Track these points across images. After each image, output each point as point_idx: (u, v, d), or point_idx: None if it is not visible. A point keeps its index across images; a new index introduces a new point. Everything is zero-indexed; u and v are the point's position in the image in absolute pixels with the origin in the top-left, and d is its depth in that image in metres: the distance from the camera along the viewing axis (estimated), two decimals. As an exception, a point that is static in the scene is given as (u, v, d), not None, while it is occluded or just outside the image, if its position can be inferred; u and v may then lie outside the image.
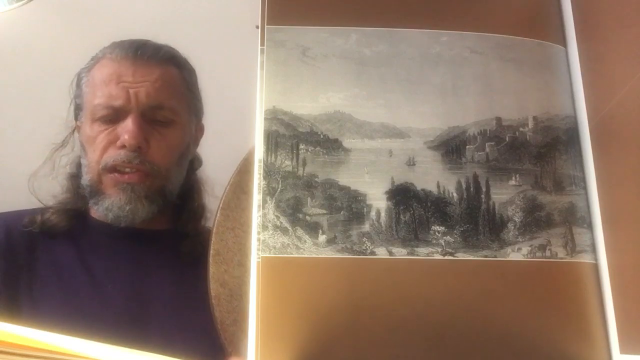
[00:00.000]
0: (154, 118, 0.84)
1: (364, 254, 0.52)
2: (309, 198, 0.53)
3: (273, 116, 0.55)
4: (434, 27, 0.59)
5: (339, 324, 0.49)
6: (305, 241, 0.52)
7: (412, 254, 0.52)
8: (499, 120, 0.57)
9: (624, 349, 0.50)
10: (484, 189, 0.55)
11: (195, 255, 0.80)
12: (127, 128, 0.81)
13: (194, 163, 0.93)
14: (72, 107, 0.90)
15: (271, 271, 0.50)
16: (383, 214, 0.53)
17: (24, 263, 0.81)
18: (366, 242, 0.52)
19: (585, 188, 0.56)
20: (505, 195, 0.55)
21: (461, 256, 0.52)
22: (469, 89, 0.57)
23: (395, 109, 0.56)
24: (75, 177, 0.89)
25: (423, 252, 0.52)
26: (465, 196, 0.54)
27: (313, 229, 0.52)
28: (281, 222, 0.52)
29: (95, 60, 0.87)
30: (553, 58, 0.59)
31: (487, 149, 0.56)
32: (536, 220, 0.54)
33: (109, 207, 0.82)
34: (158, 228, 0.87)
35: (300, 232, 0.52)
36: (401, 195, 0.54)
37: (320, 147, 0.55)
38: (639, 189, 0.50)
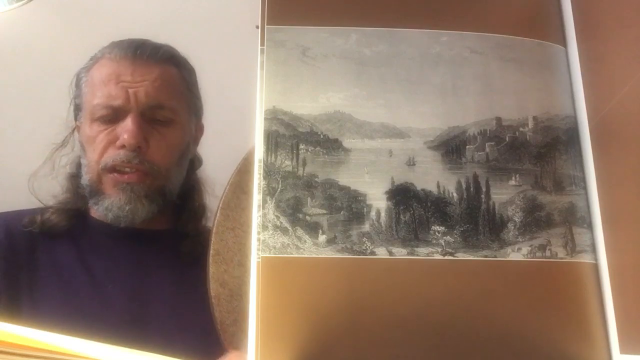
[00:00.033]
0: (153, 118, 0.84)
1: (364, 254, 0.52)
2: (309, 198, 0.53)
3: (273, 116, 0.55)
4: (434, 27, 0.59)
5: (339, 324, 0.49)
6: (305, 241, 0.52)
7: (412, 254, 0.52)
8: (499, 120, 0.57)
9: (624, 349, 0.50)
10: (484, 189, 0.55)
11: (195, 255, 0.80)
12: (126, 128, 0.81)
13: (194, 163, 0.93)
14: (72, 107, 0.90)
15: (271, 271, 0.50)
16: (383, 214, 0.53)
17: (24, 263, 0.81)
18: (366, 242, 0.52)
19: (585, 188, 0.56)
20: (505, 195, 0.55)
21: (461, 256, 0.52)
22: (469, 89, 0.57)
23: (395, 109, 0.56)
24: (75, 177, 0.89)
25: (423, 252, 0.52)
26: (465, 196, 0.54)
27: (313, 229, 0.52)
28: (281, 222, 0.52)
29: (95, 60, 0.87)
30: (553, 58, 0.59)
31: (487, 149, 0.56)
32: (536, 220, 0.54)
33: (108, 207, 0.82)
34: (158, 228, 0.87)
35: (300, 232, 0.52)
36: (401, 195, 0.54)
37: (320, 147, 0.55)
38: (639, 189, 0.50)
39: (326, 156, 0.55)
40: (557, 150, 0.57)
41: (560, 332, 0.51)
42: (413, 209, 0.54)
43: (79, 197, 0.87)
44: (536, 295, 0.52)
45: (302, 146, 0.55)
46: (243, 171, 0.67)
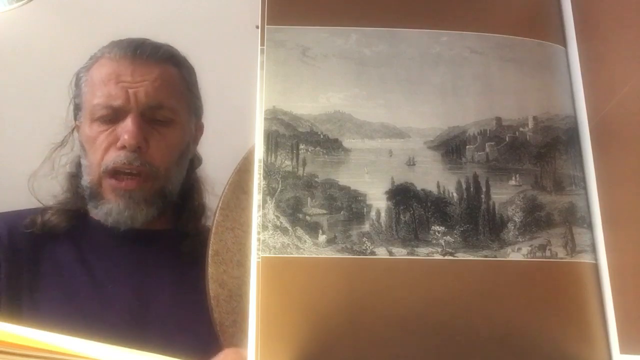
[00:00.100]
0: (153, 118, 0.84)
1: (364, 254, 0.52)
2: (309, 198, 0.53)
3: (273, 116, 0.55)
4: (434, 27, 0.59)
5: (339, 324, 0.49)
6: (305, 241, 0.52)
7: (412, 254, 0.52)
8: (499, 120, 0.57)
9: (624, 349, 0.50)
10: (484, 189, 0.55)
11: (195, 255, 0.80)
12: (126, 128, 0.81)
13: (194, 162, 0.93)
14: (71, 107, 0.90)
15: (271, 271, 0.50)
16: (383, 214, 0.53)
17: (25, 263, 0.81)
18: (366, 242, 0.52)
19: (585, 188, 0.56)
20: (505, 195, 0.55)
21: (461, 256, 0.52)
22: (469, 89, 0.57)
23: (395, 109, 0.56)
24: (75, 176, 0.89)
25: (423, 252, 0.52)
26: (465, 196, 0.54)
27: (313, 229, 0.52)
28: (281, 222, 0.52)
29: (94, 60, 0.87)
30: (553, 58, 0.59)
31: (487, 149, 0.56)
32: (536, 220, 0.54)
33: (108, 212, 0.82)
34: (158, 228, 0.87)
35: (300, 232, 0.52)
36: (401, 195, 0.54)
37: (320, 147, 0.55)
38: (639, 189, 0.50)
39: (326, 156, 0.55)
40: (557, 150, 0.57)
41: (560, 332, 0.51)
42: (413, 209, 0.54)
43: (78, 197, 0.87)
44: (536, 295, 0.52)
45: (302, 146, 0.55)
46: (242, 171, 0.67)
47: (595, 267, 0.54)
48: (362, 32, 0.58)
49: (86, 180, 0.85)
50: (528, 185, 0.55)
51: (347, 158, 0.55)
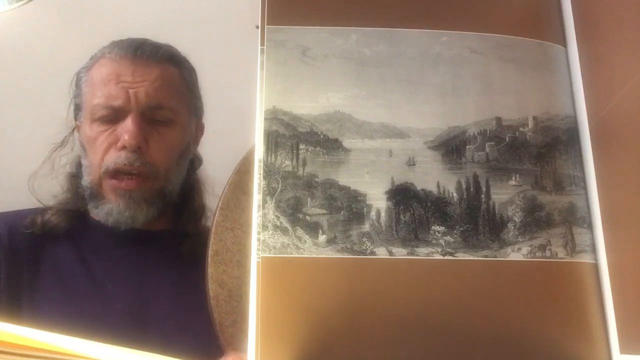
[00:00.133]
0: (153, 118, 0.84)
1: (364, 254, 0.52)
2: (309, 198, 0.53)
3: (273, 116, 0.55)
4: (434, 27, 0.58)
5: (339, 324, 0.49)
6: (305, 241, 0.52)
7: (412, 254, 0.52)
8: (499, 120, 0.57)
9: (624, 349, 0.50)
10: (484, 189, 0.55)
11: (195, 256, 0.80)
12: (126, 128, 0.81)
13: (194, 162, 0.93)
14: (72, 107, 0.90)
15: (271, 271, 0.50)
16: (383, 214, 0.53)
17: (25, 264, 0.81)
18: (366, 242, 0.52)
19: (585, 188, 0.56)
20: (505, 195, 0.55)
21: (461, 256, 0.52)
22: (469, 89, 0.57)
23: (395, 109, 0.56)
24: (75, 177, 0.89)
25: (423, 252, 0.52)
26: (465, 196, 0.54)
27: (313, 229, 0.52)
28: (281, 222, 0.52)
29: (95, 60, 0.87)
30: (553, 58, 0.59)
31: (487, 149, 0.56)
32: (536, 220, 0.54)
33: (108, 212, 0.82)
34: (158, 228, 0.87)
35: (300, 232, 0.52)
36: (401, 195, 0.54)
37: (320, 147, 0.55)
38: (639, 189, 0.50)
39: (326, 156, 0.55)
40: (557, 150, 0.57)
41: (560, 332, 0.51)
42: (413, 209, 0.54)
43: (78, 197, 0.87)
44: (536, 295, 0.52)
45: (302, 146, 0.55)
46: (242, 171, 0.67)
47: (595, 267, 0.54)
48: (362, 32, 0.58)
49: (86, 180, 0.85)
50: (528, 185, 0.55)
51: (347, 158, 0.55)
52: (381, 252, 0.52)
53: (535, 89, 0.58)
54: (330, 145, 0.55)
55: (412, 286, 0.51)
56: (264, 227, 0.52)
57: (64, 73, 0.90)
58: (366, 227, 0.53)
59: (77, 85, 0.88)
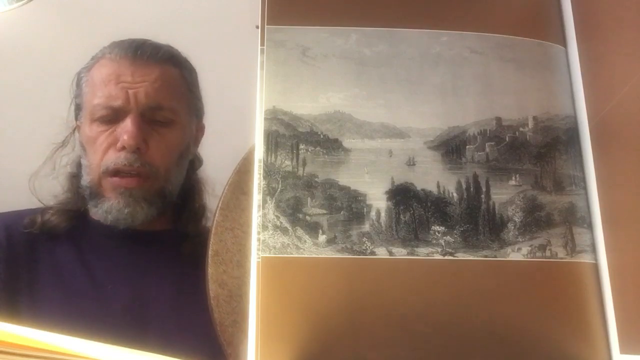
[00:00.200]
0: (153, 118, 0.84)
1: (364, 254, 0.52)
2: (309, 198, 0.53)
3: (273, 116, 0.55)
4: (434, 27, 0.59)
5: (339, 324, 0.49)
6: (305, 241, 0.52)
7: (412, 254, 0.52)
8: (499, 120, 0.57)
9: (624, 349, 0.50)
10: (484, 189, 0.55)
11: (195, 256, 0.80)
12: (126, 129, 0.81)
13: (195, 163, 0.93)
14: (72, 107, 0.90)
15: (271, 271, 0.50)
16: (383, 214, 0.53)
17: (24, 264, 0.81)
18: (366, 242, 0.52)
19: (585, 188, 0.56)
20: (505, 195, 0.55)
21: (461, 256, 0.52)
22: (469, 89, 0.57)
23: (395, 109, 0.56)
24: (75, 177, 0.89)
25: (423, 252, 0.52)
26: (465, 196, 0.54)
27: (313, 229, 0.52)
28: (281, 222, 0.52)
29: (95, 60, 0.87)
30: (553, 58, 0.59)
31: (487, 149, 0.56)
32: (536, 220, 0.54)
33: (108, 209, 0.82)
34: (158, 229, 0.87)
35: (300, 232, 0.52)
36: (401, 195, 0.54)
37: (320, 147, 0.55)
38: (639, 189, 0.50)
39: (326, 156, 0.55)
40: (557, 150, 0.57)
41: (560, 332, 0.51)
42: (413, 209, 0.54)
43: (79, 197, 0.87)
44: (536, 295, 0.52)
45: (302, 146, 0.55)
46: (242, 171, 0.67)
47: (595, 267, 0.54)
48: (362, 32, 0.58)
49: (86, 180, 0.85)
50: (528, 185, 0.55)
51: (347, 158, 0.55)
52: (381, 252, 0.52)
53: (535, 89, 0.58)
54: (330, 145, 0.55)
55: (412, 286, 0.51)
56: (264, 227, 0.52)
57: (64, 73, 0.90)
58: (366, 227, 0.53)
59: (78, 85, 0.88)
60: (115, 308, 0.79)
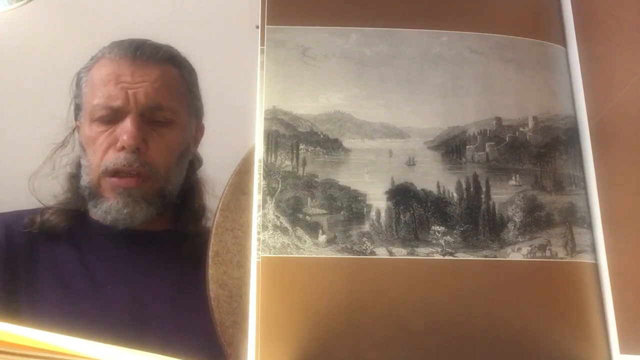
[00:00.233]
0: (153, 118, 0.84)
1: (364, 254, 0.52)
2: (309, 198, 0.53)
3: (273, 116, 0.55)
4: (434, 27, 0.59)
5: (339, 324, 0.49)
6: (305, 241, 0.52)
7: (412, 254, 0.52)
8: (499, 120, 0.57)
9: (624, 349, 0.50)
10: (484, 189, 0.55)
11: (195, 256, 0.80)
12: (125, 129, 0.81)
13: (194, 163, 0.93)
14: (72, 107, 0.90)
15: (271, 271, 0.50)
16: (383, 214, 0.53)
17: (24, 263, 0.81)
18: (366, 242, 0.52)
19: (585, 188, 0.56)
20: (505, 195, 0.55)
21: (461, 256, 0.52)
22: (469, 89, 0.57)
23: (395, 109, 0.56)
24: (75, 177, 0.89)
25: (423, 252, 0.52)
26: (465, 196, 0.54)
27: (313, 229, 0.52)
28: (281, 222, 0.52)
29: (95, 60, 0.87)
30: (553, 58, 0.59)
31: (487, 149, 0.56)
32: (536, 220, 0.54)
33: (107, 210, 0.82)
34: (158, 229, 0.87)
35: (300, 232, 0.52)
36: (401, 195, 0.54)
37: (320, 147, 0.55)
38: (639, 189, 0.50)
39: (326, 156, 0.55)
40: (557, 150, 0.57)
41: (560, 332, 0.51)
42: (413, 209, 0.54)
43: (78, 197, 0.87)
44: (536, 295, 0.52)
45: (302, 146, 0.55)
46: (242, 172, 0.67)
47: (595, 267, 0.54)
48: (362, 32, 0.58)
49: (85, 180, 0.85)
50: (528, 185, 0.55)
51: (347, 158, 0.55)
52: (381, 252, 0.52)
53: (535, 89, 0.58)
54: (330, 145, 0.55)
55: (412, 286, 0.51)
56: (264, 227, 0.52)
57: (64, 73, 0.90)
58: (366, 227, 0.53)
59: (78, 85, 0.88)
60: (115, 308, 0.79)
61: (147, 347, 0.47)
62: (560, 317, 0.51)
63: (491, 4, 0.60)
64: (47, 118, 0.91)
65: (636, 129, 0.50)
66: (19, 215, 0.85)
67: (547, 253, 0.53)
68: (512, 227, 0.54)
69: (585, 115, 0.57)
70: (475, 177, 0.55)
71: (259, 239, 0.51)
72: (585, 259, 0.54)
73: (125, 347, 0.45)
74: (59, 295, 0.80)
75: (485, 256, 0.53)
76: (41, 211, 0.86)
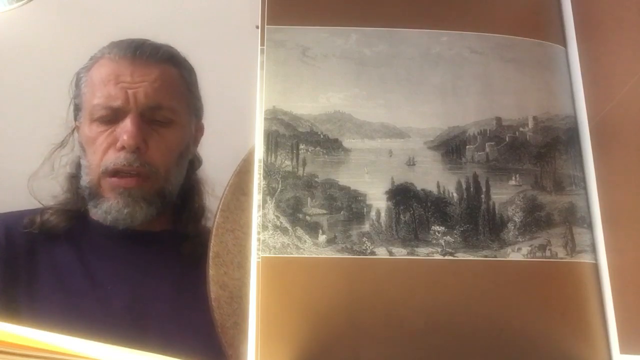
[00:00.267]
0: (153, 118, 0.84)
1: (364, 254, 0.52)
2: (309, 198, 0.53)
3: (273, 116, 0.55)
4: (434, 27, 0.59)
5: (339, 324, 0.49)
6: (305, 241, 0.52)
7: (412, 254, 0.52)
8: (499, 120, 0.57)
9: (624, 349, 0.50)
10: (484, 189, 0.55)
11: (195, 256, 0.80)
12: (125, 129, 0.81)
13: (194, 163, 0.93)
14: (72, 107, 0.90)
15: (271, 271, 0.50)
16: (383, 214, 0.53)
17: (23, 264, 0.81)
18: (366, 242, 0.52)
19: (585, 188, 0.56)
20: (505, 195, 0.55)
21: (461, 256, 0.52)
22: (469, 89, 0.57)
23: (395, 109, 0.56)
24: (74, 177, 0.89)
25: (423, 252, 0.52)
26: (465, 196, 0.54)
27: (313, 229, 0.52)
28: (281, 222, 0.52)
29: (94, 60, 0.87)
30: (553, 58, 0.59)
31: (487, 149, 0.56)
32: (536, 220, 0.54)
33: (107, 210, 0.82)
34: (158, 229, 0.87)
35: (300, 232, 0.52)
36: (401, 195, 0.54)
37: (320, 147, 0.55)
38: (639, 189, 0.50)
39: (326, 156, 0.55)
40: (557, 150, 0.57)
41: (560, 332, 0.51)
42: (413, 209, 0.54)
43: (78, 197, 0.87)
44: (536, 295, 0.52)
45: (302, 146, 0.55)
46: (242, 172, 0.67)
47: (595, 267, 0.54)
48: (362, 32, 0.58)
49: (85, 180, 0.85)
50: (528, 185, 0.55)
51: (347, 158, 0.55)
52: (381, 252, 0.52)
53: (535, 89, 0.58)
54: (330, 145, 0.55)
55: (412, 286, 0.51)
56: (264, 227, 0.52)
57: (64, 73, 0.90)
58: (366, 227, 0.53)
59: (77, 85, 0.88)
60: (115, 308, 0.79)
61: (147, 347, 0.47)
62: (560, 317, 0.51)
63: (491, 4, 0.60)
64: (47, 118, 0.91)
65: (636, 129, 0.50)
66: (19, 215, 0.85)
67: (547, 253, 0.53)
68: (512, 227, 0.54)
69: (585, 115, 0.57)
70: (475, 177, 0.55)
71: (259, 239, 0.51)
72: (585, 259, 0.54)
73: (125, 347, 0.45)
74: (59, 296, 0.80)
75: (485, 256, 0.53)
76: (41, 211, 0.86)
